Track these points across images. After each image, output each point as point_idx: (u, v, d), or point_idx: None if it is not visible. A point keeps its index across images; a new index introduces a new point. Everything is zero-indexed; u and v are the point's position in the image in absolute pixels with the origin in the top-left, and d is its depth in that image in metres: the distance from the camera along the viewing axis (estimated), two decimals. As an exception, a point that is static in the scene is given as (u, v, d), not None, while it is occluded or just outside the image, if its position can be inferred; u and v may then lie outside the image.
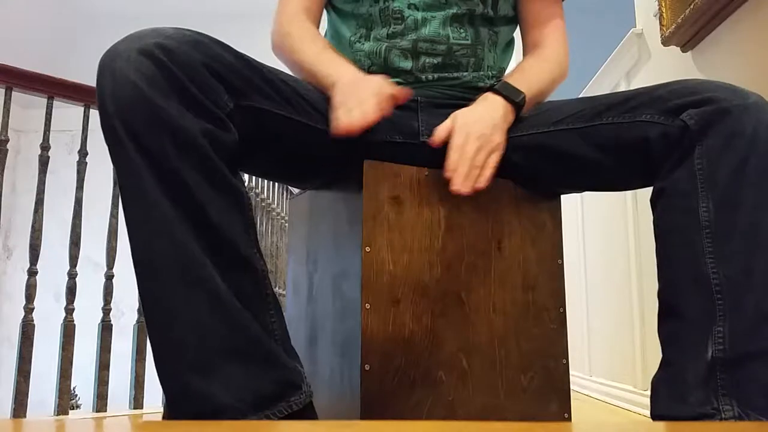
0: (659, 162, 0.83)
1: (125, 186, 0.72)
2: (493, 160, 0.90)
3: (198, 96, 0.73)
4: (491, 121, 0.91)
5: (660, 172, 0.83)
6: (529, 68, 1.03)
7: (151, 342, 0.72)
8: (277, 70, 0.88)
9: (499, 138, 0.91)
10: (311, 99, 0.89)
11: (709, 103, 0.80)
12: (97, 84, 0.73)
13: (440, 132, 0.91)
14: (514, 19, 1.09)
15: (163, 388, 0.72)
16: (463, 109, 0.94)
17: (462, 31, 1.00)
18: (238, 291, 0.73)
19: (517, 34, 1.12)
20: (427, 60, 0.99)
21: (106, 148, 0.73)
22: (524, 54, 1.09)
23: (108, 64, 0.72)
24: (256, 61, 0.83)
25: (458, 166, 0.88)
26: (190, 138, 0.71)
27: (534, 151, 0.94)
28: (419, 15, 0.99)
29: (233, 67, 0.78)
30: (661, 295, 0.82)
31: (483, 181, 0.88)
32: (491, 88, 0.96)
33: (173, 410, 0.71)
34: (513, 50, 1.11)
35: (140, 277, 0.72)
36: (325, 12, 1.09)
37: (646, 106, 0.86)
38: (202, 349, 0.70)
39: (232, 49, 0.80)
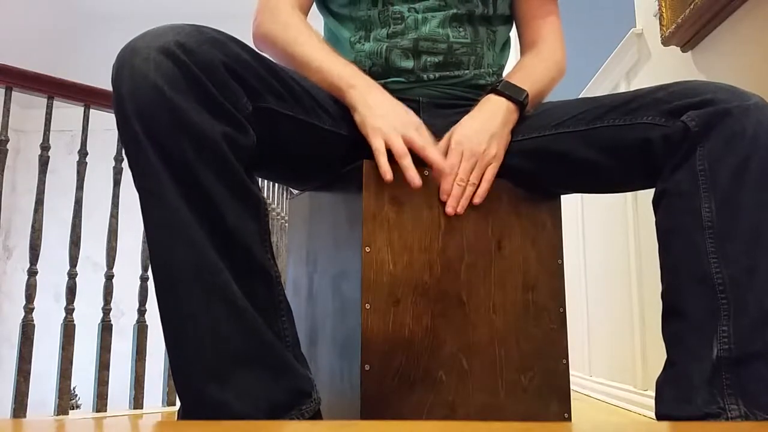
0: (661, 163, 0.83)
1: (143, 188, 0.71)
2: (490, 173, 0.91)
3: (218, 98, 0.72)
4: (489, 132, 0.91)
5: (661, 174, 0.83)
6: (528, 67, 1.03)
7: (167, 346, 0.72)
8: (286, 67, 0.87)
9: (495, 149, 0.91)
10: (319, 98, 0.88)
11: (710, 104, 0.80)
12: (113, 82, 0.71)
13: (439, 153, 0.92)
14: (510, 19, 1.09)
15: (178, 392, 0.72)
16: (462, 120, 0.93)
17: (461, 30, 1.00)
18: (253, 297, 0.73)
19: (513, 33, 1.12)
20: (429, 59, 0.99)
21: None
22: (521, 53, 1.09)
23: (126, 62, 0.70)
24: (267, 58, 0.82)
25: (451, 189, 0.89)
26: (211, 142, 0.70)
27: (535, 154, 0.94)
28: (419, 16, 0.99)
29: (250, 66, 0.77)
30: (665, 295, 0.82)
31: (479, 198, 0.90)
32: (493, 89, 0.96)
33: (188, 416, 0.71)
34: (510, 49, 1.11)
35: (157, 281, 0.72)
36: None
37: (646, 108, 0.85)
38: (217, 356, 0.70)
39: (247, 46, 0.79)
